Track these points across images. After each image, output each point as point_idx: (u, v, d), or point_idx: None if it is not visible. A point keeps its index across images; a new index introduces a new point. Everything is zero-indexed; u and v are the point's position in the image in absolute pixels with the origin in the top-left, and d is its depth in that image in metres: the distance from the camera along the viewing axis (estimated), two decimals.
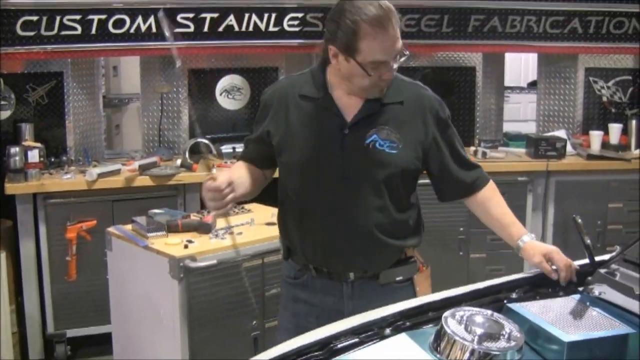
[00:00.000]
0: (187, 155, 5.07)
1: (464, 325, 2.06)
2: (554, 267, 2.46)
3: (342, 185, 2.53)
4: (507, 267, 5.22)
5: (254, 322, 3.48)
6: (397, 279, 2.65)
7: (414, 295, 2.63)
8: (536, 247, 2.55)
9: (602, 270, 2.40)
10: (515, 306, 2.23)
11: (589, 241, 2.43)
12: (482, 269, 5.32)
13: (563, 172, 5.36)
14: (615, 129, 5.62)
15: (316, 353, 2.10)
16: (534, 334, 2.09)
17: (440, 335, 2.06)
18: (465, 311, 2.13)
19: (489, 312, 2.14)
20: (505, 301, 2.32)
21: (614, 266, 2.42)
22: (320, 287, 2.65)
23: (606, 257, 2.52)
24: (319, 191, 2.56)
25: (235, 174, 2.60)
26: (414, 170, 2.59)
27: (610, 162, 5.37)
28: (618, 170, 5.37)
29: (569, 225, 4.97)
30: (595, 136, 5.55)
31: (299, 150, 2.56)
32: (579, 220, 2.45)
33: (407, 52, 2.44)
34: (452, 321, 2.08)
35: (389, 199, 2.55)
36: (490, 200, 2.69)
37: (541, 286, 2.46)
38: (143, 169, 4.84)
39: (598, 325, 2.07)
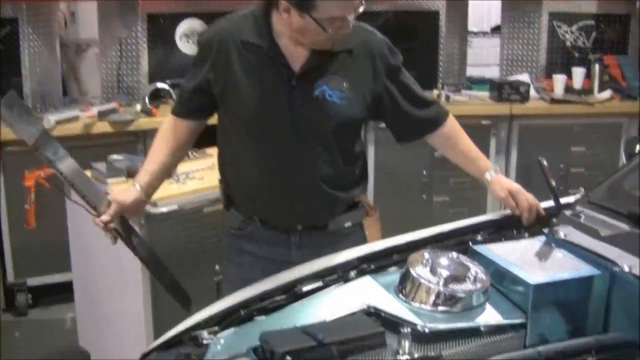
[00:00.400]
0: (146, 100, 4.98)
1: (430, 267, 2.04)
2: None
3: (290, 138, 2.42)
4: (470, 210, 5.19)
5: (217, 266, 3.44)
6: (346, 225, 2.59)
7: (364, 240, 2.59)
8: (503, 183, 2.53)
9: (567, 212, 2.39)
10: (480, 248, 2.21)
11: (554, 183, 2.40)
12: (446, 212, 5.31)
13: (526, 115, 5.34)
14: (578, 73, 5.60)
15: (279, 297, 2.08)
16: (500, 276, 2.07)
17: (405, 277, 2.05)
18: (430, 253, 2.11)
19: (455, 254, 2.13)
20: (470, 243, 2.31)
21: (578, 208, 2.42)
22: (267, 239, 2.56)
23: (571, 199, 2.51)
24: (265, 144, 2.45)
25: (143, 176, 2.53)
26: (362, 119, 2.53)
27: (573, 106, 5.36)
28: (581, 114, 5.36)
29: (531, 168, 5.01)
30: (559, 80, 5.53)
31: (243, 102, 2.43)
32: (545, 163, 2.43)
33: (364, 2, 2.31)
34: (417, 264, 2.07)
35: (337, 151, 2.47)
36: (454, 135, 2.64)
37: (506, 228, 2.44)
38: (101, 115, 4.75)
39: (564, 267, 2.05)
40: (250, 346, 1.81)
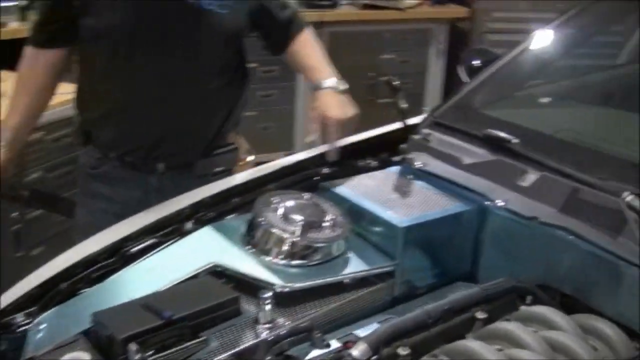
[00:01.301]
0: None
1: (281, 212, 1.78)
2: None
3: (158, 55, 2.12)
4: (279, 125, 5.15)
5: (15, 213, 3.03)
6: (216, 170, 2.29)
7: None
8: (322, 103, 2.15)
9: (415, 137, 2.17)
10: (331, 185, 1.96)
11: (405, 105, 2.15)
12: (253, 127, 5.08)
13: (337, 22, 5.12)
14: None
15: (107, 262, 1.75)
16: (358, 218, 1.84)
17: (253, 226, 1.78)
18: (279, 196, 1.84)
19: (307, 195, 1.88)
20: (317, 179, 2.06)
21: (425, 131, 2.18)
22: (122, 180, 2.26)
23: (417, 119, 2.28)
24: (128, 63, 2.13)
25: (13, 120, 2.25)
26: (243, 31, 2.24)
27: (384, 12, 5.21)
28: (391, 20, 5.25)
29: (343, 77, 4.84)
30: None
31: (107, 12, 2.09)
32: (396, 83, 2.16)
33: None
34: (265, 208, 1.80)
35: (213, 72, 2.20)
36: (298, 43, 2.33)
37: (350, 157, 2.19)
38: None
39: (430, 204, 1.85)
40: (80, 330, 1.48)
